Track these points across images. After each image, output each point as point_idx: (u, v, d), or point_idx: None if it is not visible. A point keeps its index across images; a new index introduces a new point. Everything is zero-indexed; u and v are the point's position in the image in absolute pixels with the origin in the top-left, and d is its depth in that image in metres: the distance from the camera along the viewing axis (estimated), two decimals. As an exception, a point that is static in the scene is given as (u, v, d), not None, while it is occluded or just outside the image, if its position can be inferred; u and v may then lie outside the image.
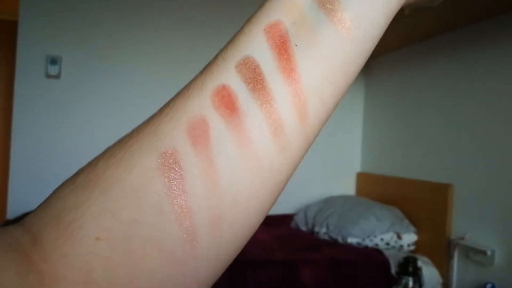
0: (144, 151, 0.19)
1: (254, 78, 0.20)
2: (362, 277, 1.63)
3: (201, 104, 0.20)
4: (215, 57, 0.21)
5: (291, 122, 0.20)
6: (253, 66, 0.20)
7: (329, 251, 1.70)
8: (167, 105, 0.21)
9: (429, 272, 1.66)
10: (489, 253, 1.49)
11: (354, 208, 2.00)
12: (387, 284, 1.62)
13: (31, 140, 2.00)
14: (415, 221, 1.91)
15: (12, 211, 1.93)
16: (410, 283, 1.54)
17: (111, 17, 2.12)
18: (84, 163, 0.22)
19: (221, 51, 0.22)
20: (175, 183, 0.19)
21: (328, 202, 2.15)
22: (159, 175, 0.19)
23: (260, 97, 0.20)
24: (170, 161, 0.19)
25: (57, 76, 2.02)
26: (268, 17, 0.21)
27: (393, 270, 1.64)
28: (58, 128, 2.04)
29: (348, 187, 2.49)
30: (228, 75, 0.20)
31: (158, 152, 0.19)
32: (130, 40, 2.14)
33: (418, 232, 1.88)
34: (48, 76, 2.01)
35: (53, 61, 2.00)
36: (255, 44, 0.21)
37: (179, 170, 0.19)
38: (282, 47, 0.20)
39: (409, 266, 1.55)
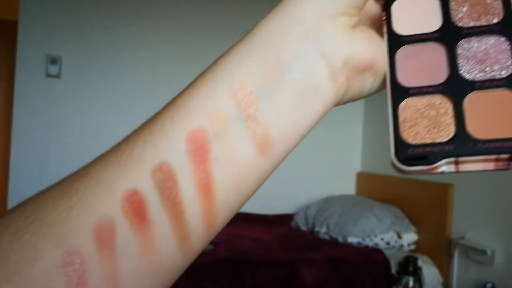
0: (49, 242, 0.18)
1: (168, 188, 0.19)
2: (362, 277, 1.63)
3: (111, 205, 0.19)
4: (131, 152, 0.20)
5: (198, 232, 0.20)
6: (169, 174, 0.20)
7: (329, 250, 1.70)
8: (74, 190, 0.20)
9: (429, 271, 1.66)
10: (489, 252, 1.49)
11: (355, 207, 2.00)
12: (387, 284, 1.63)
13: (31, 139, 2.00)
14: (415, 221, 1.91)
15: (12, 210, 1.94)
16: (411, 283, 1.54)
17: (111, 17, 2.12)
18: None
19: (138, 145, 0.20)
20: (77, 283, 0.18)
21: (328, 202, 2.15)
22: (62, 273, 0.18)
23: (172, 209, 0.19)
24: (74, 261, 0.18)
25: (57, 76, 2.02)
26: (192, 121, 0.20)
27: (393, 269, 1.64)
28: (58, 128, 2.04)
29: (348, 187, 2.49)
30: (142, 179, 0.19)
31: (63, 248, 0.18)
32: (130, 40, 2.14)
33: (418, 232, 1.88)
34: (48, 75, 2.01)
35: (53, 60, 2.00)
36: (174, 150, 0.20)
37: (82, 272, 0.18)
38: (201, 158, 0.20)
39: (409, 265, 1.55)
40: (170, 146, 0.20)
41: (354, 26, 0.24)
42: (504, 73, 0.24)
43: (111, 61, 2.12)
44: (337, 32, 0.23)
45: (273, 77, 0.21)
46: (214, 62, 0.22)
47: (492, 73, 0.24)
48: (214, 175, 0.20)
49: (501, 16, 0.25)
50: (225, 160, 0.20)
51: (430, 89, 0.24)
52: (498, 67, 0.24)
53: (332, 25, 0.22)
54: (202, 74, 0.22)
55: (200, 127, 0.20)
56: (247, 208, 2.04)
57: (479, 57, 0.25)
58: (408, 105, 0.24)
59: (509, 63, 0.24)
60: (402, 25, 0.26)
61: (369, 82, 0.25)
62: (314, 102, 0.22)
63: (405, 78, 0.24)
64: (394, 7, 0.27)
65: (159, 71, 2.13)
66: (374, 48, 0.24)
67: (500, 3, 0.26)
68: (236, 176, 0.21)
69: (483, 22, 0.25)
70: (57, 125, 2.04)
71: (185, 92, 0.22)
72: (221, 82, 0.21)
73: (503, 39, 0.25)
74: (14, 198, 1.97)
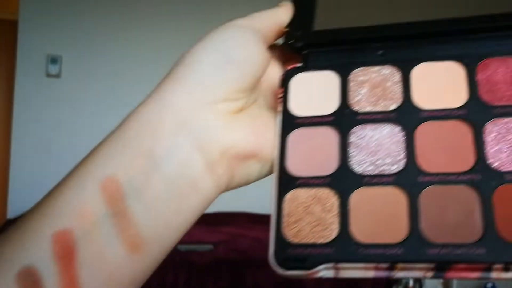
0: None
1: None
2: (362, 277, 1.63)
3: None
4: (2, 253, 0.19)
5: None
6: (35, 279, 0.18)
7: (329, 250, 1.70)
8: None
9: (429, 271, 1.66)
10: (489, 252, 1.49)
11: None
12: (387, 284, 1.62)
13: (31, 139, 2.00)
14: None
15: (13, 210, 1.93)
16: (411, 283, 1.54)
17: (112, 17, 2.12)
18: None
19: (8, 245, 0.19)
20: None
21: (329, 202, 2.14)
22: None
23: None
24: None
25: (58, 75, 2.02)
26: (59, 222, 0.19)
27: (394, 269, 1.63)
28: (58, 127, 2.04)
29: (348, 187, 2.49)
30: (8, 284, 0.18)
31: None
32: (130, 39, 2.14)
33: (418, 232, 1.88)
34: (49, 75, 2.01)
35: (54, 60, 2.00)
36: (41, 252, 0.19)
37: None
38: (67, 261, 0.19)
39: (409, 265, 1.55)
40: (36, 248, 0.19)
41: (241, 109, 0.22)
42: (394, 168, 0.21)
43: (112, 60, 2.12)
44: (215, 122, 0.21)
45: (144, 171, 0.20)
46: (89, 154, 0.21)
47: (383, 167, 0.22)
48: (81, 279, 0.19)
49: (399, 102, 0.23)
50: (93, 262, 0.19)
51: (317, 181, 0.22)
52: (390, 160, 0.22)
53: (210, 114, 0.21)
54: (76, 166, 0.21)
55: (66, 227, 0.19)
56: (247, 208, 2.04)
57: (372, 147, 0.22)
58: (294, 197, 0.22)
59: (401, 156, 0.22)
60: (299, 105, 0.24)
61: (255, 169, 0.23)
62: (191, 196, 0.21)
63: (295, 166, 0.22)
64: (293, 83, 0.24)
65: (159, 71, 2.12)
66: (258, 136, 0.22)
67: (400, 86, 0.23)
68: (106, 278, 0.19)
69: (380, 107, 0.23)
70: (57, 124, 2.04)
71: (55, 188, 0.20)
72: (90, 177, 0.20)
73: (398, 129, 0.22)
74: (14, 198, 1.97)
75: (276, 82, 0.25)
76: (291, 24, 0.26)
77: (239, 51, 0.22)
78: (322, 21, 0.26)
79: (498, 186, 0.20)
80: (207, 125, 0.21)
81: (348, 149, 0.22)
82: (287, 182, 0.22)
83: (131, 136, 0.21)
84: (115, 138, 0.21)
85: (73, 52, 2.06)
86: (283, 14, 0.26)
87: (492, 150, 0.21)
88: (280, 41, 0.26)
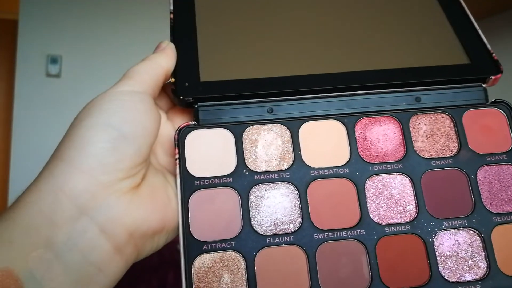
0: None
1: None
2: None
3: None
4: None
5: None
6: None
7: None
8: None
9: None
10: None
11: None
12: None
13: (31, 139, 1.99)
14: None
15: (12, 210, 1.93)
16: None
17: (112, 17, 2.12)
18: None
19: None
20: None
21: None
22: None
23: None
24: None
25: (58, 75, 2.02)
26: None
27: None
28: (58, 127, 2.03)
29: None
30: None
31: None
32: (131, 39, 2.14)
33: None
34: (49, 75, 2.00)
35: (54, 60, 1.99)
36: None
37: None
38: None
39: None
40: None
41: (141, 182, 0.21)
42: (292, 227, 0.23)
43: (112, 61, 2.11)
44: (117, 203, 0.20)
45: (44, 263, 0.18)
46: None
47: (282, 226, 0.23)
48: None
49: (290, 161, 0.24)
50: None
51: (223, 245, 0.22)
52: (287, 219, 0.23)
53: (111, 196, 0.20)
54: None
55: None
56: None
57: (270, 206, 0.23)
58: (202, 263, 0.22)
59: (296, 215, 0.23)
60: (196, 165, 0.24)
61: (163, 239, 0.23)
62: (99, 279, 0.19)
63: (199, 231, 0.23)
64: (188, 142, 0.24)
65: (159, 71, 2.12)
66: (162, 209, 0.22)
67: (290, 145, 0.24)
68: None
69: (274, 167, 0.24)
70: (57, 124, 2.03)
71: None
72: None
73: (291, 187, 0.24)
74: (14, 198, 1.97)
75: (162, 135, 0.24)
76: (177, 74, 0.26)
77: (132, 124, 0.21)
78: (210, 71, 0.26)
79: (380, 238, 0.22)
80: (109, 207, 0.20)
81: (249, 210, 0.23)
82: (193, 248, 0.22)
83: (23, 226, 0.19)
84: (4, 227, 0.19)
85: (73, 52, 2.05)
86: (165, 61, 0.26)
87: (372, 206, 0.23)
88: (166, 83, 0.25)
